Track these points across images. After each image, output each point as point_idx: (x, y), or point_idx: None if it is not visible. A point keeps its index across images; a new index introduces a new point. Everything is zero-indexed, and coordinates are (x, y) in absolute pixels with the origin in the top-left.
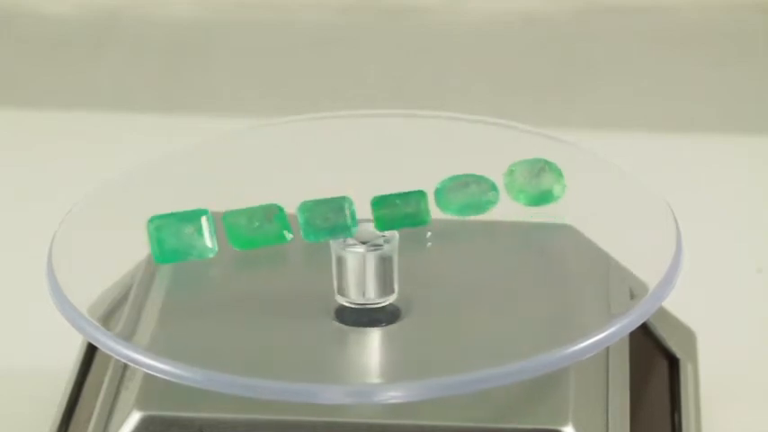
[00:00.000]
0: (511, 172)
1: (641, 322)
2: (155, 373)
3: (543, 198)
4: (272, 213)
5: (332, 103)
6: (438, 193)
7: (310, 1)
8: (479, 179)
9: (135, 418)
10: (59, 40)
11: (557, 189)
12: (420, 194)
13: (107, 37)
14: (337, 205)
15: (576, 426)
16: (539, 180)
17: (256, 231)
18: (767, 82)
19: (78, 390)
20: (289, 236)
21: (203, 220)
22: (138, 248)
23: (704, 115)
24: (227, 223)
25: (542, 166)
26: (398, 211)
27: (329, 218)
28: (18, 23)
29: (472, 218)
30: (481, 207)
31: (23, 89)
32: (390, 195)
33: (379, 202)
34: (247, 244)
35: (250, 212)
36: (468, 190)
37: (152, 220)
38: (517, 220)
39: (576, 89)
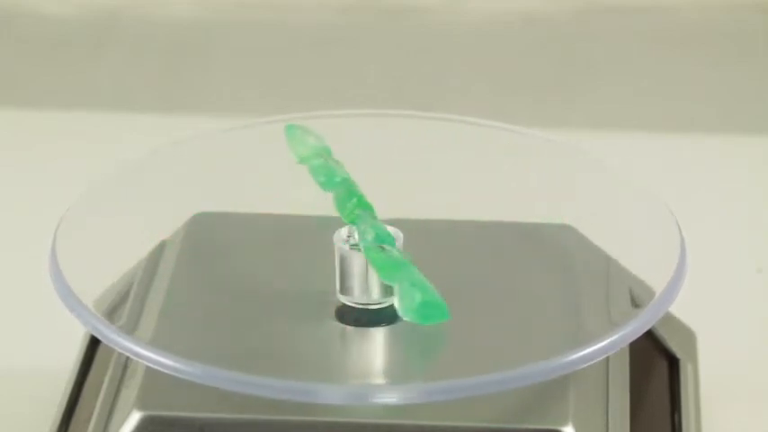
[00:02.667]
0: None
1: (644, 331)
2: (156, 367)
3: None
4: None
5: (332, 103)
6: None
7: (310, 1)
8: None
9: (135, 418)
10: (59, 40)
11: None
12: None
13: (107, 37)
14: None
15: (575, 426)
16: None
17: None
18: (767, 82)
19: (78, 390)
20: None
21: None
22: (140, 245)
23: (704, 115)
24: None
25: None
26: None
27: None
28: (18, 23)
29: (472, 218)
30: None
31: (23, 89)
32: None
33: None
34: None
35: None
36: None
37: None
38: (517, 221)
39: (576, 89)
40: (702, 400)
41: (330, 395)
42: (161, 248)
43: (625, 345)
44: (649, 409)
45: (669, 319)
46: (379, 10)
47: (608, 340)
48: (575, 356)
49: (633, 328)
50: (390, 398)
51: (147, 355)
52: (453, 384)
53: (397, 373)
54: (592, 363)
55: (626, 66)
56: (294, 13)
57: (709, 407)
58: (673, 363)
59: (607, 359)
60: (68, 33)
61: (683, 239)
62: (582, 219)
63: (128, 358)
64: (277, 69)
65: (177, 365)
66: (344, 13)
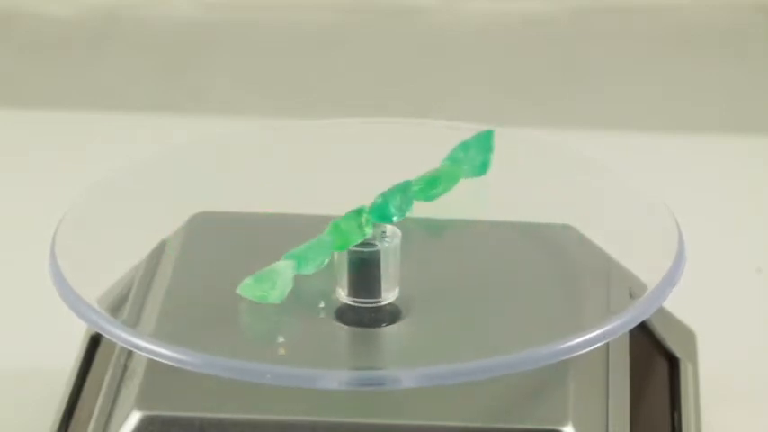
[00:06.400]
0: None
1: (640, 321)
2: (157, 359)
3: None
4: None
5: (331, 104)
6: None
7: (310, 1)
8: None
9: (135, 417)
10: (59, 40)
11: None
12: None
13: (107, 37)
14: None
15: (576, 426)
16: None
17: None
18: (767, 82)
19: (78, 390)
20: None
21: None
22: (140, 245)
23: (704, 115)
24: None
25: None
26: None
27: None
28: (18, 23)
29: (473, 218)
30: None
31: (23, 89)
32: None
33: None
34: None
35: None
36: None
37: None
38: (517, 221)
39: (576, 89)
40: (702, 400)
41: (329, 380)
42: (161, 248)
43: (624, 331)
44: (649, 409)
45: (669, 319)
46: (379, 10)
47: (608, 326)
48: (572, 342)
49: (633, 315)
50: (388, 382)
51: (149, 348)
52: (453, 369)
53: (396, 365)
54: (590, 348)
55: (626, 66)
56: (294, 13)
57: (710, 407)
58: (673, 362)
59: (607, 359)
60: (68, 33)
61: (682, 238)
62: (582, 219)
63: (127, 358)
64: (277, 69)
65: (177, 356)
66: (344, 13)
